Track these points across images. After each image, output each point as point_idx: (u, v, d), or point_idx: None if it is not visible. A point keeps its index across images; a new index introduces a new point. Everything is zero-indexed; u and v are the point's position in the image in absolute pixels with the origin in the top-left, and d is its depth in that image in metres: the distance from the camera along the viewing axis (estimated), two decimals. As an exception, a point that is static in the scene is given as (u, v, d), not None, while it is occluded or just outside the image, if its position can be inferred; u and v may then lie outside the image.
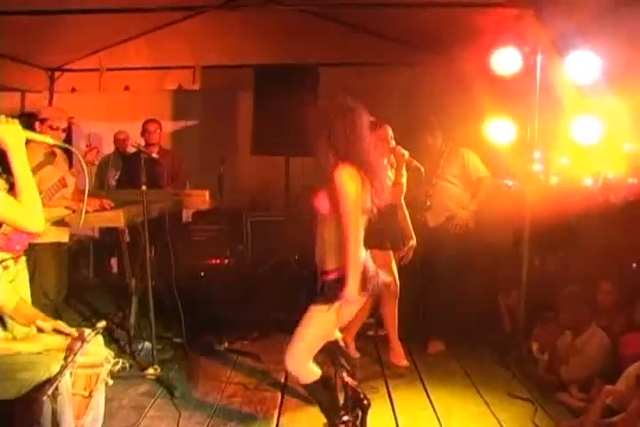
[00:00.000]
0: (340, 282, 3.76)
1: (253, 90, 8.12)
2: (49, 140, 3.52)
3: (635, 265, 5.89)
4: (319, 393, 4.04)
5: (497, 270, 6.29)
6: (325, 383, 4.00)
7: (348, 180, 3.66)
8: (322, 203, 3.77)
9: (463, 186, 6.12)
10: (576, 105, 5.58)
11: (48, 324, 3.84)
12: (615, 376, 4.48)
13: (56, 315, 4.21)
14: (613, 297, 5.27)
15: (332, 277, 3.81)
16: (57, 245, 5.42)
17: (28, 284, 4.09)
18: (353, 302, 3.74)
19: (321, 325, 3.87)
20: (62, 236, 5.47)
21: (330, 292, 3.80)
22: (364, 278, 3.80)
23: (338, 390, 4.23)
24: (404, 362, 5.61)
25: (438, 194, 6.08)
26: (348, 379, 4.35)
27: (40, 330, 3.86)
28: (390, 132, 5.33)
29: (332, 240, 3.79)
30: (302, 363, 3.86)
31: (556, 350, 5.20)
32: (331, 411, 4.08)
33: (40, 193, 3.64)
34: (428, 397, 5.05)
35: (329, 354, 4.17)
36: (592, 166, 7.16)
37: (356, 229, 3.69)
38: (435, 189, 6.08)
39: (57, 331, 3.83)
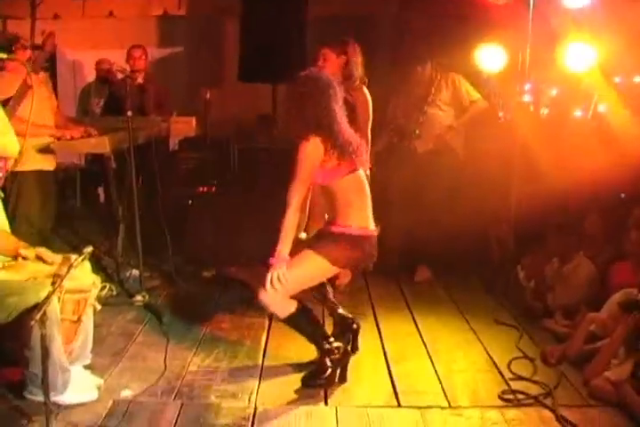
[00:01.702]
0: (338, 240, 3.87)
1: (240, 15, 7.97)
2: None
3: (623, 195, 5.89)
4: (301, 324, 4.04)
5: (487, 201, 6.27)
6: (303, 313, 3.99)
7: (310, 151, 3.79)
8: None
9: (454, 112, 6.04)
10: (569, 32, 5.50)
11: (31, 251, 3.84)
12: (600, 305, 4.54)
13: (43, 244, 4.18)
14: (601, 227, 5.28)
15: (334, 229, 3.91)
16: (41, 174, 5.35)
17: (4, 213, 4.05)
18: (281, 263, 3.78)
19: (307, 270, 3.91)
20: (47, 163, 5.39)
21: (323, 244, 3.89)
22: (364, 246, 3.91)
23: (324, 319, 4.27)
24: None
25: (428, 122, 5.99)
26: (333, 306, 4.39)
27: (24, 258, 3.85)
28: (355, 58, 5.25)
29: (341, 201, 3.91)
30: (276, 298, 3.85)
31: (542, 278, 5.24)
32: (316, 339, 4.10)
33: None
34: (415, 324, 5.09)
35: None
36: (582, 98, 7.10)
37: (299, 196, 3.80)
38: (425, 117, 5.99)
39: (40, 258, 3.82)
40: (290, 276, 3.80)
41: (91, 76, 8.72)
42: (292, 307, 3.92)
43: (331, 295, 4.38)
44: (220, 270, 6.11)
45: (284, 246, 3.79)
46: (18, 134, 4.58)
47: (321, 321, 4.23)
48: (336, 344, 4.09)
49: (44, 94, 5.31)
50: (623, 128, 5.89)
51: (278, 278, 3.75)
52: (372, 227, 3.98)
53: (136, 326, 4.91)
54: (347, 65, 5.23)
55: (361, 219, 3.92)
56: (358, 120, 5.20)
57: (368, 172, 5.15)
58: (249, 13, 7.95)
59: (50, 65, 8.67)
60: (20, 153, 4.54)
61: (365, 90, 5.28)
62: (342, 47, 5.24)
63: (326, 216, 4.11)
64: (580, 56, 5.43)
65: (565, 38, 5.51)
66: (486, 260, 6.28)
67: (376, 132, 5.34)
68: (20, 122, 4.69)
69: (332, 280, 4.56)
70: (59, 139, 5.31)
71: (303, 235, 4.17)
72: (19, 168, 4.86)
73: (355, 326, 4.39)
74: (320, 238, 3.98)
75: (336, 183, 3.88)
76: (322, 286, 4.28)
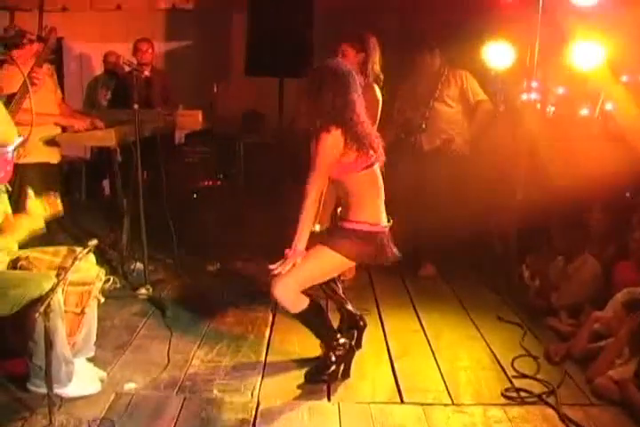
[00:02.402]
0: (349, 235, 3.84)
1: (248, 9, 7.95)
2: None
3: (628, 194, 5.88)
4: (310, 321, 4.05)
5: (491, 198, 6.26)
6: (315, 310, 4.00)
7: (330, 143, 3.73)
8: None
9: (461, 109, 6.03)
10: (577, 30, 5.48)
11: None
12: (604, 303, 4.53)
13: (48, 237, 4.20)
14: (606, 225, 5.27)
15: (346, 225, 3.87)
16: (46, 166, 5.34)
17: (8, 205, 4.05)
18: (296, 256, 3.76)
19: (320, 264, 3.89)
20: (52, 156, 5.38)
21: (335, 240, 3.86)
22: (376, 242, 3.89)
23: (330, 314, 4.28)
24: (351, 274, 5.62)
25: (434, 117, 5.98)
26: (342, 301, 4.38)
27: None
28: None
29: (355, 197, 3.86)
30: (290, 293, 3.85)
31: (547, 277, 5.24)
32: (324, 335, 4.12)
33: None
34: (419, 320, 5.09)
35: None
36: (589, 96, 7.08)
37: (318, 189, 3.77)
38: (431, 112, 5.98)
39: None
40: (303, 270, 3.80)
41: (98, 69, 8.71)
42: (304, 303, 3.91)
43: (340, 291, 4.38)
44: (224, 264, 6.10)
45: (302, 239, 3.77)
46: (23, 124, 4.59)
47: (329, 318, 4.21)
48: (342, 340, 4.10)
49: (49, 87, 5.30)
50: (630, 126, 5.87)
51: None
52: (384, 222, 3.94)
53: (140, 320, 4.92)
54: (365, 62, 5.18)
55: (373, 215, 3.88)
56: None
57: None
58: (256, 7, 7.92)
59: (57, 57, 8.68)
60: (24, 145, 4.56)
61: (377, 88, 5.22)
62: (362, 44, 5.18)
63: (339, 210, 4.09)
64: (588, 54, 5.41)
65: (573, 36, 5.49)
66: (489, 255, 6.27)
67: (384, 126, 5.30)
68: (25, 113, 4.70)
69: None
70: (64, 130, 5.31)
71: (317, 227, 4.15)
72: (22, 160, 4.85)
73: (361, 323, 4.39)
74: (332, 233, 3.95)
75: (350, 178, 3.83)
76: (332, 280, 4.28)
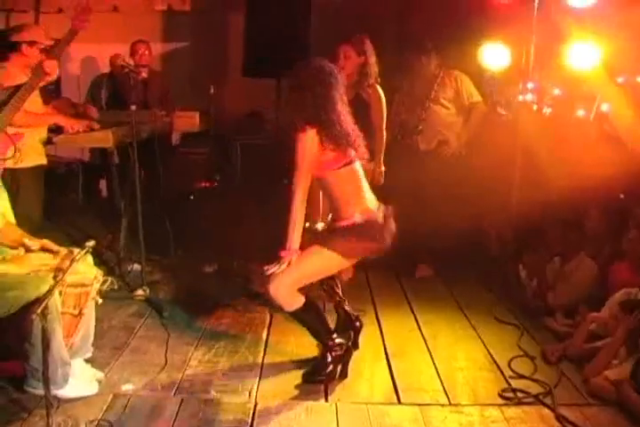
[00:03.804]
0: (346, 233, 3.87)
1: (245, 10, 7.96)
2: None
3: (622, 195, 5.89)
4: (306, 319, 4.07)
5: (488, 198, 6.27)
6: (310, 308, 4.02)
7: (307, 141, 3.78)
8: None
9: (456, 110, 6.05)
10: (573, 31, 5.49)
11: (36, 243, 3.86)
12: (601, 304, 4.53)
13: (44, 238, 4.19)
14: (602, 226, 5.28)
15: (341, 224, 3.91)
16: (38, 168, 5.32)
17: (9, 204, 4.05)
18: (291, 256, 3.79)
19: (317, 264, 3.91)
20: (43, 158, 5.37)
21: (331, 239, 3.89)
22: (372, 233, 3.90)
23: (326, 313, 4.29)
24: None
25: (430, 118, 6.01)
26: (340, 301, 4.39)
27: (28, 251, 3.86)
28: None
29: (337, 194, 3.92)
30: (286, 292, 3.87)
31: (544, 277, 5.24)
32: (321, 334, 4.13)
33: None
34: (416, 320, 5.10)
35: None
36: (585, 98, 7.09)
37: (303, 187, 3.80)
38: (427, 113, 6.01)
39: (45, 250, 3.85)
40: (299, 269, 3.81)
41: (95, 70, 8.65)
42: (299, 301, 3.93)
43: (339, 290, 4.40)
44: (221, 265, 6.11)
45: (295, 239, 3.79)
46: (23, 126, 4.62)
47: (326, 317, 4.23)
48: (339, 340, 4.11)
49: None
50: (626, 128, 5.89)
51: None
52: (373, 206, 3.97)
53: (137, 321, 4.93)
54: (365, 64, 5.31)
55: (361, 203, 3.92)
56: (373, 117, 5.28)
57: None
58: (254, 8, 7.93)
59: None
60: (18, 149, 4.57)
61: (378, 87, 5.38)
62: (362, 46, 5.30)
63: (329, 216, 4.11)
64: (584, 55, 5.43)
65: (569, 37, 5.51)
66: (486, 257, 6.28)
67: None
68: (27, 114, 4.71)
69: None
70: (61, 132, 5.31)
71: (319, 225, 4.17)
72: (19, 165, 4.84)
73: (357, 323, 4.40)
74: (329, 234, 3.97)
75: (330, 175, 3.87)
76: (332, 280, 4.29)
